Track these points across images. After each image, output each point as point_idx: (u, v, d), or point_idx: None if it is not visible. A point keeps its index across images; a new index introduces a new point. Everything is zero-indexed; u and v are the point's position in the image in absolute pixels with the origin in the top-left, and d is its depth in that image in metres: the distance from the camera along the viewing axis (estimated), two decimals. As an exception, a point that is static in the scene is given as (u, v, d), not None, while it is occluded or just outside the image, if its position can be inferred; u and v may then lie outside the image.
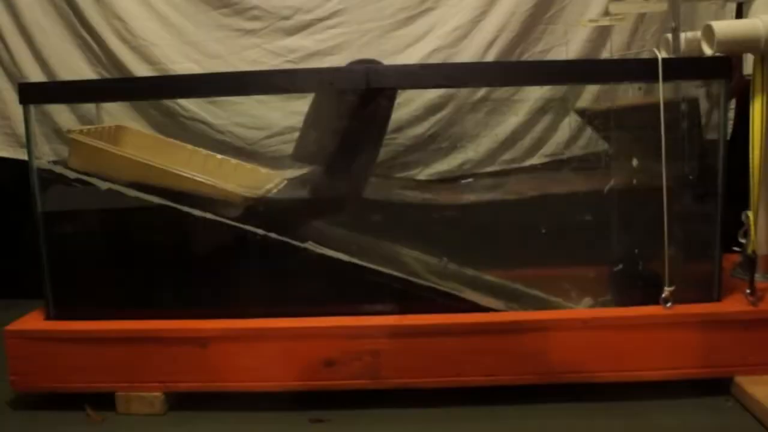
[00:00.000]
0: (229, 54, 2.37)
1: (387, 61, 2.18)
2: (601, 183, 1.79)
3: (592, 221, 1.81)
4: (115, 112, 2.27)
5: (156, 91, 1.93)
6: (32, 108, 1.78)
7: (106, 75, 2.38)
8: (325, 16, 2.33)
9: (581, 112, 2.18)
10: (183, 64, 2.36)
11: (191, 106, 2.34)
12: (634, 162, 1.77)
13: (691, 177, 1.73)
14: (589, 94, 2.17)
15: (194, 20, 2.36)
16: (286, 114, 2.29)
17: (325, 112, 1.90)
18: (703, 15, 2.09)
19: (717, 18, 1.85)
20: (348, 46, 2.33)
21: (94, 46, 2.38)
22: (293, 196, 1.89)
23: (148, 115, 2.37)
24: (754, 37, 1.65)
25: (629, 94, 1.85)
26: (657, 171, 1.65)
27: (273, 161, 2.27)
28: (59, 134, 2.29)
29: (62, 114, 2.33)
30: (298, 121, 2.13)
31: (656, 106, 1.64)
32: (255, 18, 2.34)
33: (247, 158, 2.28)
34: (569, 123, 2.24)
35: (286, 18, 2.33)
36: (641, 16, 2.22)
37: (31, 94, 1.80)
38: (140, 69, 2.35)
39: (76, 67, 2.39)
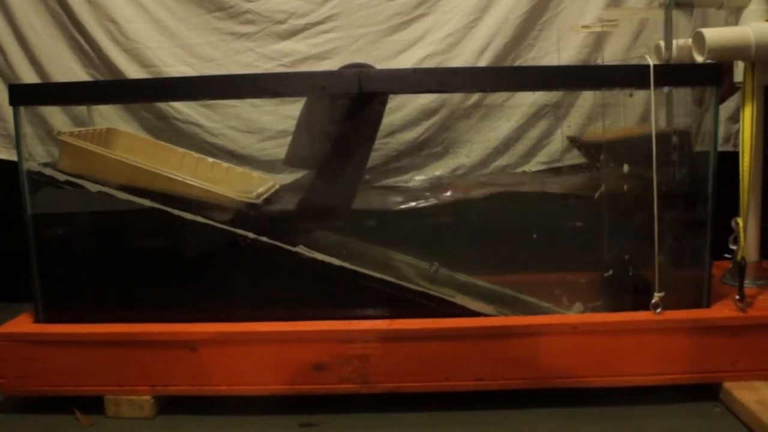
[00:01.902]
0: (222, 57, 2.36)
1: (380, 67, 2.16)
2: (592, 190, 1.78)
3: (583, 227, 1.80)
4: (109, 115, 2.26)
5: (146, 93, 1.91)
6: (22, 109, 1.76)
7: (100, 77, 2.36)
8: (318, 20, 2.32)
9: (574, 141, 2.17)
10: (176, 67, 2.34)
11: (185, 109, 2.33)
12: (625, 168, 1.75)
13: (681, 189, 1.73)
14: (585, 100, 2.17)
15: (188, 23, 2.34)
16: (278, 118, 2.28)
17: (317, 116, 1.88)
18: (713, 22, 2.07)
19: (728, 24, 1.85)
20: (341, 50, 2.32)
21: (87, 48, 2.36)
22: (284, 200, 1.87)
23: (141, 117, 2.35)
24: (744, 44, 1.65)
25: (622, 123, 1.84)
26: (648, 186, 1.65)
27: (266, 165, 2.27)
28: (53, 136, 2.27)
29: (56, 116, 2.31)
30: (291, 125, 2.11)
31: (647, 136, 1.64)
32: (249, 22, 2.33)
33: (241, 162, 2.28)
34: (562, 132, 2.23)
35: (280, 22, 2.32)
36: (643, 23, 2.21)
37: (21, 95, 1.78)
38: (133, 71, 2.34)
39: (69, 69, 2.37)
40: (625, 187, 1.76)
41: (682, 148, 1.73)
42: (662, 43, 1.76)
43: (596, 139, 1.91)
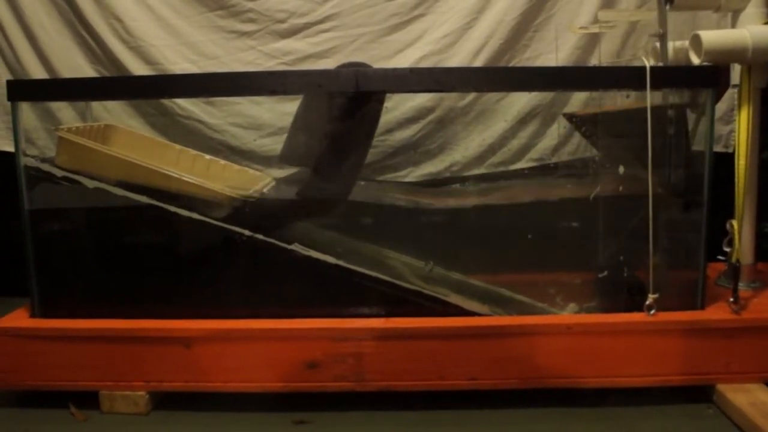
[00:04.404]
0: (225, 55, 2.20)
1: (378, 66, 2.02)
2: (587, 190, 1.63)
3: (578, 228, 1.65)
4: (116, 111, 2.11)
5: (144, 89, 1.74)
6: (21, 105, 1.61)
7: (106, 74, 2.21)
8: (318, 20, 2.17)
9: (570, 117, 2.01)
10: (180, 64, 2.19)
11: (188, 105, 2.18)
12: (621, 169, 1.60)
13: (677, 185, 1.57)
14: (578, 100, 2.01)
15: (191, 21, 2.19)
16: (279, 115, 2.13)
17: (314, 114, 1.73)
18: (704, 24, 1.92)
19: (719, 27, 1.70)
20: (341, 49, 2.17)
21: (94, 45, 2.21)
22: (280, 197, 1.72)
23: (146, 113, 2.20)
24: (741, 47, 1.52)
25: (618, 99, 1.68)
26: (644, 178, 1.49)
27: (267, 161, 2.12)
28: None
29: (64, 110, 2.16)
30: (290, 122, 1.96)
31: (644, 110, 1.49)
32: (250, 20, 2.17)
33: (243, 158, 2.14)
34: (557, 129, 2.07)
35: (281, 21, 2.17)
36: (633, 25, 2.05)
37: (20, 91, 1.63)
38: (139, 68, 2.19)
39: (77, 65, 2.22)
40: (621, 188, 1.61)
41: (679, 126, 1.57)
42: (658, 45, 1.61)
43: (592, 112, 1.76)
